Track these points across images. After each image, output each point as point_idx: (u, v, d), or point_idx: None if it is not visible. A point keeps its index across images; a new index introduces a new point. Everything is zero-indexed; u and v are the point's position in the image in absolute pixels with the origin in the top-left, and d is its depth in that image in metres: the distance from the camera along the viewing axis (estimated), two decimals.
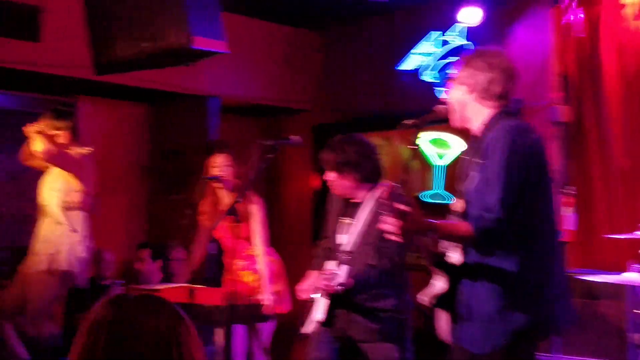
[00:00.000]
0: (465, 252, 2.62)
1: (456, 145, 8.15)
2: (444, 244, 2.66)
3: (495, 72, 2.69)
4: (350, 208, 3.58)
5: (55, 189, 4.28)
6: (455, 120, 2.79)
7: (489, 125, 2.67)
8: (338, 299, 3.45)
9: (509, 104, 2.72)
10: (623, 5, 4.89)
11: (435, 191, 8.10)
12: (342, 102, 6.68)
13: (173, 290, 4.22)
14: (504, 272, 2.53)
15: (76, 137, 4.43)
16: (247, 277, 4.50)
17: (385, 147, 7.98)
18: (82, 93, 6.20)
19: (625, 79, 4.87)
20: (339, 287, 3.37)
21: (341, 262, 3.45)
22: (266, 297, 4.22)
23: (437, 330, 2.71)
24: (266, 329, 4.44)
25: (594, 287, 4.25)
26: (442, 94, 2.89)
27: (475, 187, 2.57)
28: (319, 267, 3.63)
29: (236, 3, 6.09)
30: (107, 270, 5.68)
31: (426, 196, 7.97)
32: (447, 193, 8.07)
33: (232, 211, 3.56)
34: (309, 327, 3.57)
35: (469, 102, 2.72)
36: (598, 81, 4.97)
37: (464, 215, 2.60)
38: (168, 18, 3.75)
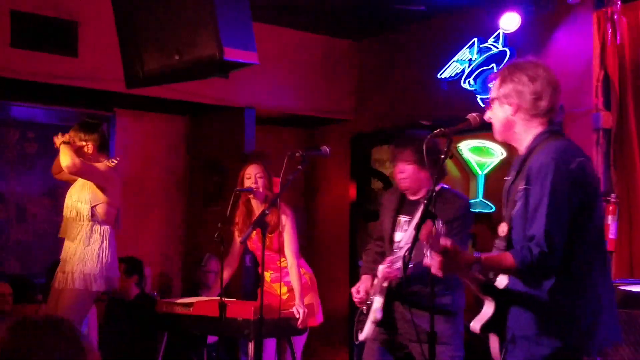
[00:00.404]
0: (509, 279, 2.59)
1: (497, 154, 8.03)
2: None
3: (540, 85, 2.57)
4: (407, 206, 3.61)
5: (82, 201, 4.28)
6: (499, 137, 2.71)
7: (534, 145, 2.57)
8: (393, 297, 3.48)
9: (555, 119, 2.61)
10: None
11: (476, 200, 7.98)
12: (381, 111, 6.61)
13: (205, 303, 4.19)
14: (544, 296, 2.49)
15: (103, 150, 4.43)
16: (279, 290, 4.46)
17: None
18: (120, 106, 6.25)
19: None
20: (399, 273, 3.36)
21: (397, 259, 3.46)
22: (297, 310, 4.16)
23: (491, 353, 2.68)
24: (298, 342, 4.38)
25: (634, 297, 4.10)
26: (485, 112, 2.74)
27: (520, 213, 2.51)
28: (371, 271, 3.65)
29: (271, 14, 6.07)
30: (145, 284, 5.68)
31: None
32: (487, 202, 7.95)
33: (261, 222, 3.50)
34: (365, 333, 3.55)
35: (515, 122, 2.61)
36: None
37: (508, 239, 2.56)
38: (199, 30, 3.73)
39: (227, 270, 4.64)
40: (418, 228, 2.81)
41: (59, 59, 5.32)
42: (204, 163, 6.58)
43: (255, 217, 4.34)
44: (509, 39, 5.47)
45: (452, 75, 5.79)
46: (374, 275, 3.66)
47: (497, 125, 2.66)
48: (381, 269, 3.52)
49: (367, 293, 3.60)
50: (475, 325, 2.58)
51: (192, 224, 6.66)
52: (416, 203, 3.57)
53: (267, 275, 4.46)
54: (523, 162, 2.58)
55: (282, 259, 4.35)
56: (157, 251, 6.57)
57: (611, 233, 4.83)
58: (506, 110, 2.61)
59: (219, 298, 3.99)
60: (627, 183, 4.89)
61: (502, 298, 2.55)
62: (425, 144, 3.48)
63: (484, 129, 7.31)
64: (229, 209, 4.21)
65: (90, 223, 4.29)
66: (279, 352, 4.52)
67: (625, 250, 4.84)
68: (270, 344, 4.50)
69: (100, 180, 4.28)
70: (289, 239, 4.32)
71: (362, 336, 3.58)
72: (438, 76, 5.86)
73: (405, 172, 3.59)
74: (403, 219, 3.61)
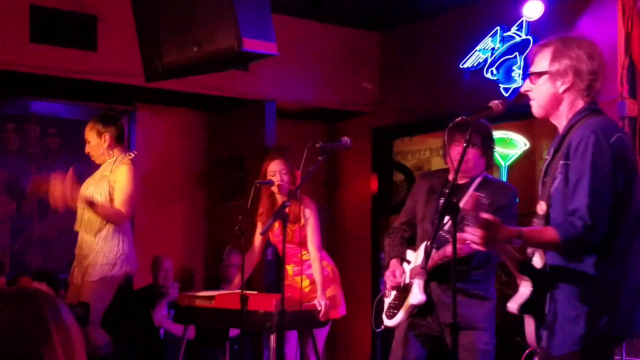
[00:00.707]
0: (545, 256, 2.52)
1: (521, 145, 7.93)
2: (529, 249, 2.57)
3: (597, 64, 2.48)
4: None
5: (100, 194, 4.28)
6: (535, 112, 2.60)
7: (574, 123, 2.49)
8: (435, 279, 3.46)
9: (597, 100, 2.54)
10: None
11: None
12: (403, 104, 6.54)
13: (226, 296, 4.18)
14: (583, 276, 2.43)
15: (120, 142, 4.44)
16: (302, 282, 4.43)
17: (440, 149, 7.86)
18: (140, 101, 6.26)
19: None
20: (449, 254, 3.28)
21: (441, 242, 3.43)
22: (320, 303, 4.14)
23: (526, 337, 2.63)
24: (320, 335, 4.36)
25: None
26: (524, 85, 2.64)
27: (559, 189, 2.45)
28: (400, 255, 3.64)
29: (293, 5, 6.04)
30: (166, 277, 5.69)
31: None
32: None
33: (281, 214, 3.47)
34: (396, 319, 3.53)
35: (563, 99, 2.51)
36: None
37: (546, 217, 2.50)
38: (217, 21, 3.70)
39: (248, 263, 4.63)
40: (440, 219, 2.77)
41: (79, 54, 5.33)
42: (225, 157, 6.56)
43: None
44: (532, 27, 5.38)
45: (475, 64, 5.71)
46: (402, 260, 3.62)
47: (541, 101, 2.55)
48: (425, 250, 3.47)
49: (402, 276, 3.58)
50: (513, 305, 2.53)
51: (213, 218, 6.65)
52: (459, 187, 3.49)
53: (289, 269, 4.44)
54: (562, 139, 2.51)
55: (304, 252, 4.33)
56: (178, 245, 6.58)
57: None
58: (557, 87, 2.50)
59: (240, 291, 3.96)
60: None
61: (540, 278, 2.49)
62: (483, 128, 3.51)
63: (508, 119, 7.26)
64: (250, 201, 4.18)
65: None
66: (301, 344, 4.50)
67: None
68: (292, 337, 4.48)
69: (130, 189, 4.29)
70: (311, 232, 4.30)
71: (394, 321, 3.54)
72: (460, 66, 5.79)
73: (470, 153, 3.49)
74: None
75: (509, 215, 3.38)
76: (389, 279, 3.60)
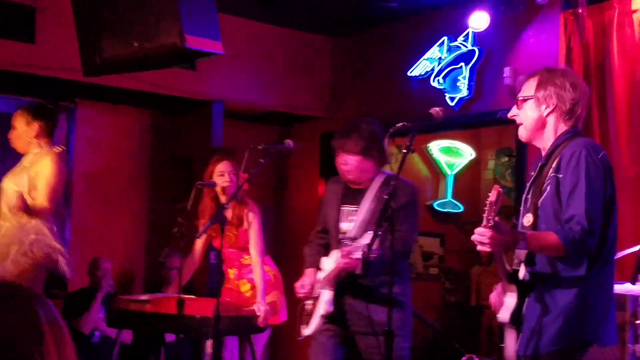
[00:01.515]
0: (529, 268, 2.63)
1: (467, 154, 8.02)
2: (516, 257, 2.65)
3: (579, 93, 2.69)
4: (351, 196, 3.54)
5: (19, 186, 4.12)
6: (522, 135, 2.76)
7: (560, 142, 2.66)
8: (343, 290, 3.41)
9: (579, 125, 2.74)
10: (633, 11, 4.73)
11: (445, 200, 7.97)
12: (354, 110, 6.54)
13: (162, 300, 4.09)
14: (566, 282, 2.56)
15: (47, 136, 4.28)
16: (243, 287, 4.37)
17: (398, 155, 7.89)
18: (82, 97, 6.09)
19: (633, 87, 4.74)
20: (358, 260, 3.24)
21: (356, 249, 3.37)
22: (260, 308, 4.07)
23: (506, 349, 2.68)
24: (259, 340, 4.30)
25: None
26: (511, 110, 2.81)
27: (548, 200, 2.58)
28: (316, 264, 3.58)
29: (247, 8, 5.98)
30: (106, 279, 5.54)
31: (436, 205, 7.86)
32: (456, 202, 7.95)
33: (220, 218, 3.41)
34: (311, 327, 3.48)
35: (548, 122, 2.70)
36: (605, 88, 4.85)
37: (534, 228, 2.61)
38: (160, 16, 3.62)
39: (188, 266, 4.54)
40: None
41: (15, 46, 5.15)
42: (171, 158, 6.45)
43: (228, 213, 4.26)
44: (478, 38, 5.44)
45: (422, 73, 5.75)
46: (318, 268, 3.58)
47: (527, 124, 2.72)
48: (335, 259, 3.43)
49: (313, 286, 3.52)
50: (504, 315, 2.61)
51: (157, 220, 6.52)
52: (360, 192, 3.49)
53: (231, 273, 4.38)
54: (549, 156, 2.66)
55: (246, 256, 4.27)
56: (120, 247, 6.43)
57: None
58: (542, 111, 2.69)
59: (177, 295, 3.87)
60: None
61: (524, 288, 2.60)
62: (368, 132, 3.48)
63: (455, 128, 7.27)
64: (190, 203, 4.10)
65: (26, 209, 4.11)
66: (240, 350, 4.43)
67: None
68: (231, 343, 4.41)
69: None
70: (254, 236, 4.25)
71: (308, 330, 3.50)
72: (408, 74, 5.82)
73: (349, 164, 3.49)
74: (347, 209, 3.53)
75: (409, 214, 3.40)
76: (297, 289, 3.56)
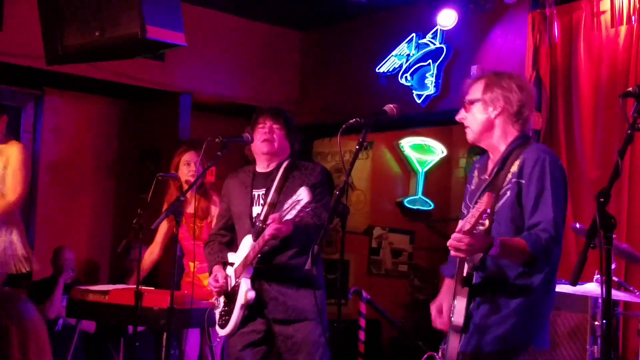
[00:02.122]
0: (481, 272, 2.62)
1: (438, 152, 8.05)
2: (469, 262, 2.62)
3: (525, 96, 2.69)
4: (260, 180, 3.54)
5: None
6: (470, 137, 2.76)
7: (514, 147, 2.66)
8: (259, 275, 3.38)
9: (527, 129, 2.73)
10: (601, 12, 4.77)
11: (416, 197, 8.00)
12: (323, 104, 6.55)
13: (121, 291, 4.07)
14: (514, 287, 2.58)
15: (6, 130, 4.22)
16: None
17: (367, 151, 7.91)
18: (50, 85, 6.05)
19: (598, 88, 4.78)
20: (288, 223, 3.21)
21: (258, 232, 3.38)
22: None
23: (448, 353, 2.65)
24: (216, 335, 4.28)
25: (557, 298, 4.13)
26: (459, 113, 2.81)
27: (507, 205, 2.57)
28: (221, 260, 3.54)
29: None
30: (67, 267, 5.51)
31: (407, 202, 7.90)
32: (426, 199, 7.98)
33: (174, 210, 3.40)
34: (233, 322, 3.42)
35: (496, 124, 2.69)
36: (571, 89, 4.89)
37: (488, 233, 2.57)
38: (121, 7, 3.60)
39: (149, 258, 4.53)
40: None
41: None
42: (137, 149, 6.42)
43: (189, 205, 4.24)
44: (446, 36, 5.46)
45: (390, 69, 5.77)
46: (225, 264, 3.53)
47: (474, 127, 2.72)
48: (250, 244, 3.37)
49: (226, 280, 3.48)
50: (459, 319, 2.58)
51: (123, 211, 6.48)
52: (269, 176, 3.50)
53: (192, 266, 4.35)
54: (503, 161, 2.65)
55: None
56: (84, 237, 6.39)
57: None
58: (489, 113, 2.68)
59: (134, 287, 3.86)
60: None
61: (474, 292, 2.59)
62: (289, 115, 3.55)
63: (425, 125, 7.27)
64: (150, 195, 4.08)
65: None
66: (201, 343, 4.42)
67: None
68: (193, 336, 4.40)
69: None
70: None
71: (227, 329, 3.43)
72: (377, 70, 5.83)
73: (275, 133, 3.49)
74: (258, 192, 3.51)
75: (321, 194, 3.39)
76: (211, 285, 3.51)
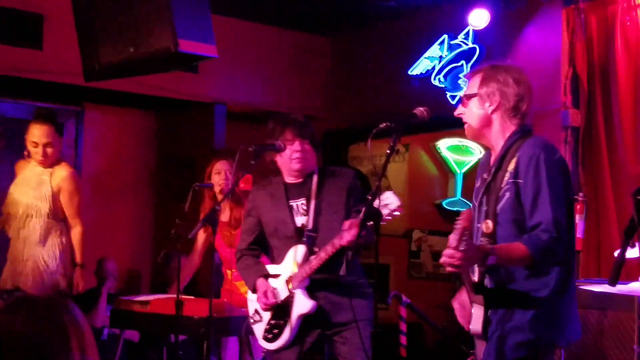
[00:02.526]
0: (493, 277, 2.57)
1: (476, 152, 7.98)
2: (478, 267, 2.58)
3: (523, 88, 2.61)
4: (293, 191, 3.46)
5: (41, 199, 4.22)
6: (468, 133, 2.72)
7: (511, 143, 2.59)
8: (316, 285, 3.34)
9: (527, 122, 2.65)
10: (637, 5, 4.69)
11: (455, 198, 7.94)
12: (353, 108, 6.56)
13: (162, 301, 4.13)
14: (529, 289, 2.52)
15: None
16: (242, 288, 4.40)
17: (402, 154, 7.88)
18: (89, 101, 6.18)
19: (637, 82, 4.68)
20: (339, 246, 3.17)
21: (309, 241, 3.35)
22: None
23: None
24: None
25: (602, 297, 4.07)
26: (457, 109, 2.76)
27: (508, 206, 2.51)
28: (263, 273, 3.47)
29: (245, 9, 6.03)
30: (109, 278, 5.62)
31: (445, 203, 7.84)
32: (466, 200, 7.91)
33: (211, 220, 3.44)
34: (283, 338, 3.39)
35: (494, 119, 2.63)
36: (610, 85, 4.81)
37: (493, 236, 2.54)
38: (153, 22, 3.67)
39: (187, 267, 4.60)
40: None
41: (24, 52, 5.25)
42: (174, 159, 6.51)
43: (223, 214, 4.29)
44: (478, 36, 5.43)
45: (423, 72, 5.75)
46: (267, 276, 3.45)
47: (472, 122, 2.66)
48: (300, 255, 3.33)
49: (274, 294, 3.41)
50: (476, 327, 2.55)
51: (162, 220, 6.58)
52: (300, 185, 3.44)
53: (229, 273, 4.40)
54: (501, 159, 2.59)
55: None
56: (126, 247, 6.50)
57: (578, 232, 4.79)
58: (486, 108, 2.62)
59: (174, 296, 3.91)
60: (595, 182, 4.86)
61: (490, 299, 2.54)
62: (311, 128, 3.46)
63: (462, 126, 7.25)
64: (187, 204, 4.14)
65: (50, 221, 4.21)
66: (240, 351, 4.45)
67: (592, 249, 4.81)
68: (232, 343, 4.44)
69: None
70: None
71: (279, 343, 3.38)
72: (409, 73, 5.82)
73: (306, 151, 3.43)
74: (295, 203, 3.44)
75: (359, 195, 3.35)
76: (261, 300, 3.41)
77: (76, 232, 4.35)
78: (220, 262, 4.54)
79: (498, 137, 2.61)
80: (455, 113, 2.71)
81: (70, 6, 4.42)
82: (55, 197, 4.25)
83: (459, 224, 2.34)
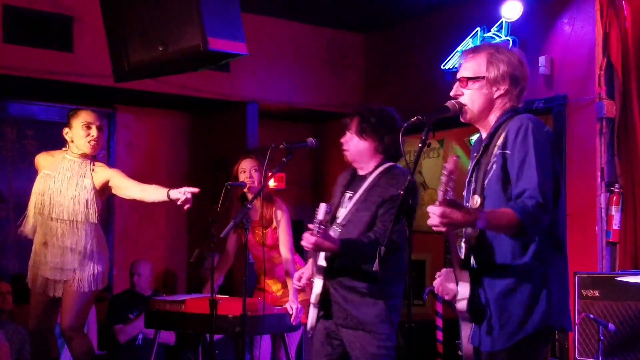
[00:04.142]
0: (476, 254, 2.48)
1: None
2: (465, 242, 2.50)
3: (518, 69, 2.53)
4: (354, 182, 3.39)
5: (81, 202, 4.18)
6: (467, 117, 2.60)
7: (502, 121, 2.51)
8: (329, 277, 3.25)
9: (520, 103, 2.57)
10: None
11: None
12: (387, 105, 6.48)
13: (196, 301, 4.13)
14: (518, 270, 2.42)
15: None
16: (274, 286, 4.39)
17: (437, 150, 7.79)
18: (121, 103, 6.22)
19: None
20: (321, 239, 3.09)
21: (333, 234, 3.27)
22: (292, 306, 4.08)
23: (461, 338, 2.55)
24: (292, 340, 4.30)
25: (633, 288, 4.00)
26: (454, 89, 2.65)
27: (495, 178, 2.44)
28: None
29: (277, 7, 6.01)
30: (143, 280, 5.64)
31: None
32: None
33: (243, 218, 3.42)
34: (310, 321, 3.34)
35: (497, 104, 2.54)
36: None
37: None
38: (183, 21, 3.67)
39: (220, 267, 4.59)
40: (396, 220, 2.69)
41: (54, 55, 5.30)
42: (208, 159, 6.52)
43: (253, 212, 4.26)
44: (512, 28, 5.34)
45: (456, 66, 5.66)
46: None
47: (474, 105, 2.55)
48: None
49: (308, 277, 3.41)
50: (462, 305, 2.46)
51: (197, 220, 6.59)
52: (363, 179, 3.34)
53: (261, 273, 4.39)
54: (491, 136, 2.52)
55: (276, 255, 4.29)
56: (162, 249, 6.53)
57: (615, 224, 4.70)
58: (493, 92, 2.53)
59: (208, 295, 3.91)
60: (631, 173, 4.77)
61: (476, 276, 2.46)
62: (372, 115, 3.32)
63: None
64: (219, 204, 4.13)
65: (90, 223, 4.18)
66: (273, 349, 4.44)
67: (630, 241, 4.72)
68: (265, 341, 4.42)
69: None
70: (284, 235, 4.24)
71: (308, 325, 3.34)
72: (442, 67, 5.75)
73: (346, 143, 3.37)
74: (348, 194, 3.37)
75: (391, 207, 3.21)
76: (293, 281, 3.52)
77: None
78: (253, 261, 4.52)
79: (493, 118, 2.54)
80: (452, 93, 2.59)
81: (98, 8, 4.45)
82: (97, 192, 4.23)
83: (445, 170, 2.25)
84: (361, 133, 3.32)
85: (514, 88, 2.52)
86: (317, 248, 3.12)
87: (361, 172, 3.39)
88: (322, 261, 3.26)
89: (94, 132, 4.12)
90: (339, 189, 3.43)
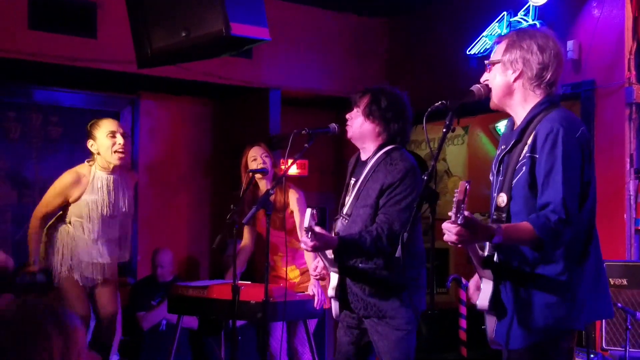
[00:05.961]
0: (500, 255, 2.46)
1: None
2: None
3: (547, 56, 2.48)
4: (358, 167, 3.31)
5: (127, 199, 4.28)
6: (491, 103, 2.58)
7: (534, 115, 2.47)
8: (344, 271, 3.20)
9: (555, 92, 2.51)
10: None
11: None
12: (411, 91, 6.40)
13: (219, 287, 4.13)
14: (543, 270, 2.41)
15: None
16: (291, 273, 4.37)
17: (461, 137, 7.72)
18: (144, 89, 6.22)
19: None
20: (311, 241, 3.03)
21: (338, 225, 3.23)
22: (314, 290, 4.06)
23: (487, 333, 2.56)
24: (311, 325, 4.28)
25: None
26: (484, 75, 2.64)
27: (522, 181, 2.41)
28: None
29: None
30: (165, 267, 5.66)
31: None
32: None
33: (265, 203, 3.40)
34: (333, 311, 3.33)
35: (516, 88, 2.51)
36: None
37: (506, 210, 2.45)
38: (205, 6, 3.63)
39: (242, 253, 4.58)
40: (418, 208, 2.65)
41: (78, 41, 5.30)
42: (230, 146, 6.51)
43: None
44: (539, 12, 5.25)
45: (482, 51, 5.59)
46: None
47: (495, 90, 2.55)
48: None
49: (325, 268, 3.36)
50: (483, 303, 2.47)
51: (219, 207, 6.60)
52: (364, 164, 3.25)
53: (277, 260, 4.38)
54: (522, 131, 2.47)
55: (293, 240, 4.27)
56: (184, 235, 6.55)
57: None
58: (508, 76, 2.52)
59: (230, 282, 3.90)
60: None
61: (499, 274, 2.45)
62: (382, 96, 3.22)
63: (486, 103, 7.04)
64: (242, 191, 4.12)
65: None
66: (288, 335, 4.41)
67: None
68: (277, 328, 4.37)
69: None
70: (300, 221, 4.22)
71: (333, 314, 3.33)
72: (467, 52, 5.67)
73: (351, 119, 3.28)
74: (352, 181, 3.30)
75: (392, 196, 3.12)
76: (310, 271, 3.54)
77: None
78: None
79: (519, 107, 2.51)
80: (482, 79, 2.59)
81: None
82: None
83: (456, 197, 2.23)
84: (368, 115, 3.23)
85: (528, 70, 2.47)
86: (316, 250, 3.12)
87: (363, 157, 3.31)
88: (331, 254, 3.23)
89: (119, 139, 4.08)
90: (348, 176, 3.37)
